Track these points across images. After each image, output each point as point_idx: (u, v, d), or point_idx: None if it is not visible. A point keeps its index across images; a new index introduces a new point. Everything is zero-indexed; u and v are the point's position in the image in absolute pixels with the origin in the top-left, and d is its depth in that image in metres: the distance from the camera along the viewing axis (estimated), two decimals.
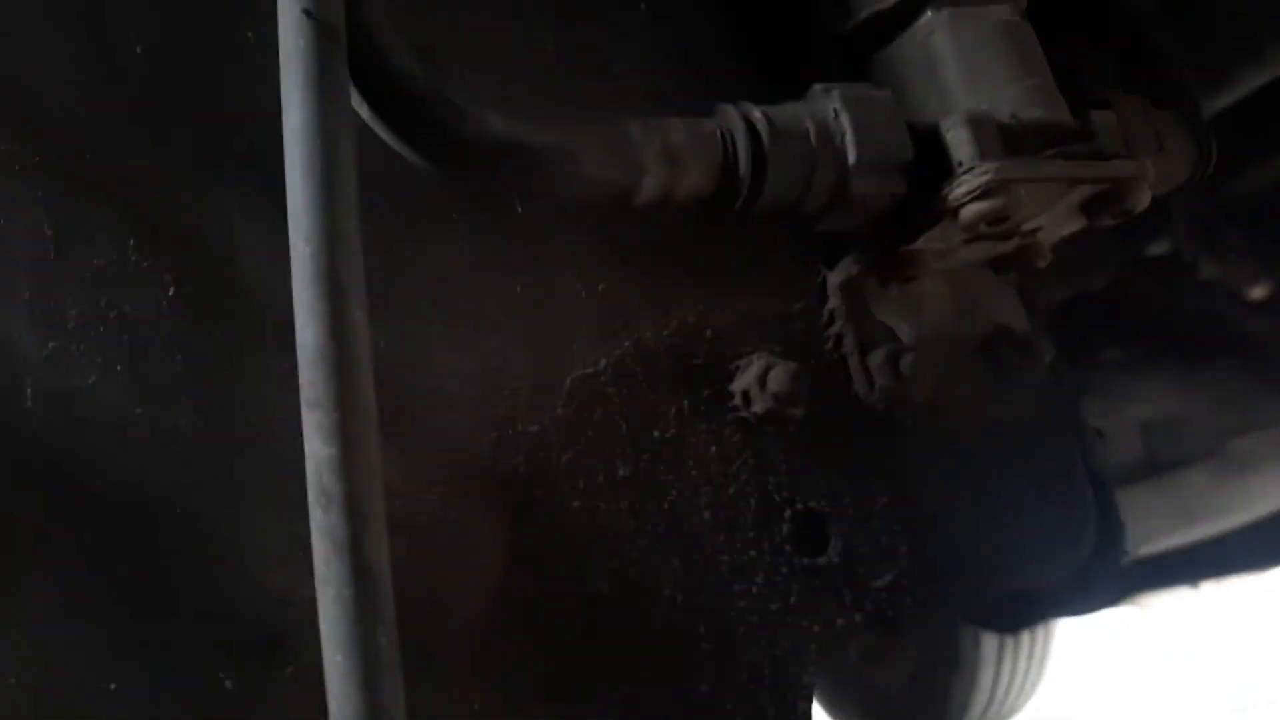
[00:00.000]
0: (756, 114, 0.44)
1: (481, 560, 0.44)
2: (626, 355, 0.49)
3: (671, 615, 0.46)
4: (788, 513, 0.49)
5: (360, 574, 0.33)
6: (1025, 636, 2.15)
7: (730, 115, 0.44)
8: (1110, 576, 0.78)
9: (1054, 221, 0.50)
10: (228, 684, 0.38)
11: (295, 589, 0.40)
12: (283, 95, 0.37)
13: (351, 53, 0.38)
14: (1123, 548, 0.77)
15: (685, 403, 0.49)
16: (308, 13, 0.36)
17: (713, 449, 0.49)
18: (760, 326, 0.52)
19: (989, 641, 2.14)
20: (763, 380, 0.49)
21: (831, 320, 0.53)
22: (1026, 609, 0.84)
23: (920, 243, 0.49)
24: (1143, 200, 0.49)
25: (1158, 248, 2.05)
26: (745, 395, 0.50)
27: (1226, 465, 2.20)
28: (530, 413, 0.47)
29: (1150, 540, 2.27)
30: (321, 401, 0.34)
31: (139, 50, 0.44)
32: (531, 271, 0.48)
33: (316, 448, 0.34)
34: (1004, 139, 0.46)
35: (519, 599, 0.44)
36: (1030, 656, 2.20)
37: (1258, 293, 2.08)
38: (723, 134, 0.44)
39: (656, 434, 0.48)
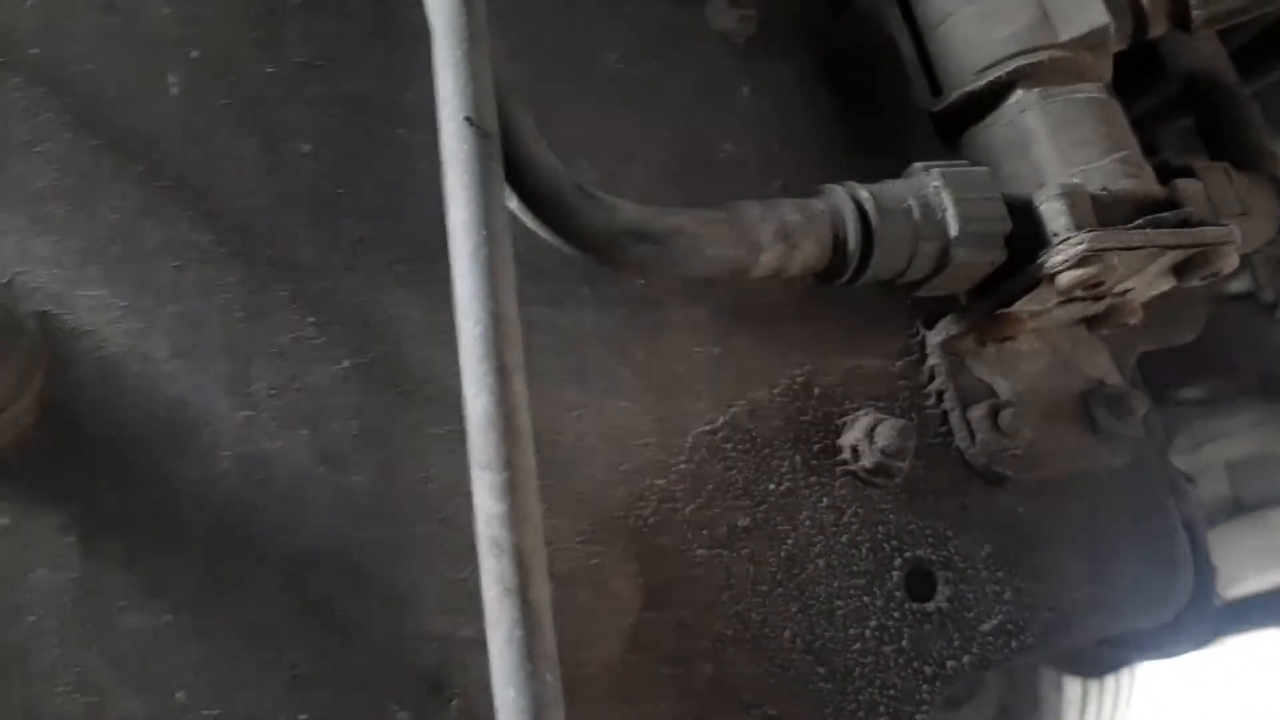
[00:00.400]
0: (863, 193, 0.48)
1: (616, 604, 0.48)
2: (742, 413, 0.53)
3: (792, 656, 0.49)
4: (897, 561, 0.53)
5: (529, 616, 0.37)
6: (1110, 680, 2.11)
7: (839, 195, 0.48)
8: (1200, 620, 0.79)
9: (1145, 283, 0.53)
10: (401, 716, 0.43)
11: (455, 630, 0.44)
12: (446, 193, 0.41)
13: (505, 153, 0.42)
14: (1214, 592, 0.78)
15: (797, 457, 0.53)
16: (469, 120, 0.41)
17: (824, 501, 0.53)
18: (865, 384, 0.56)
19: (1072, 685, 2.10)
20: (870, 435, 0.53)
21: (932, 377, 0.57)
22: (1114, 653, 0.86)
23: (1016, 307, 0.52)
24: (1230, 263, 0.51)
25: (1238, 286, 2.04)
26: (854, 450, 0.53)
27: None
28: (656, 468, 0.51)
29: (1238, 582, 2.22)
30: (491, 464, 0.38)
31: (307, 149, 0.49)
32: (654, 338, 0.53)
33: (487, 504, 0.38)
34: (1096, 210, 0.49)
35: (651, 639, 0.48)
36: (1115, 701, 2.16)
37: None
38: (832, 213, 0.48)
39: (772, 486, 0.52)
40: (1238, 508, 2.19)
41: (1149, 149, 1.07)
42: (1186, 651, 0.79)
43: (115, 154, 0.46)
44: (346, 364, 0.46)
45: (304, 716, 0.42)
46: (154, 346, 0.44)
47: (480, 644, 0.44)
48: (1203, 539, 0.76)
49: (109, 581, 0.41)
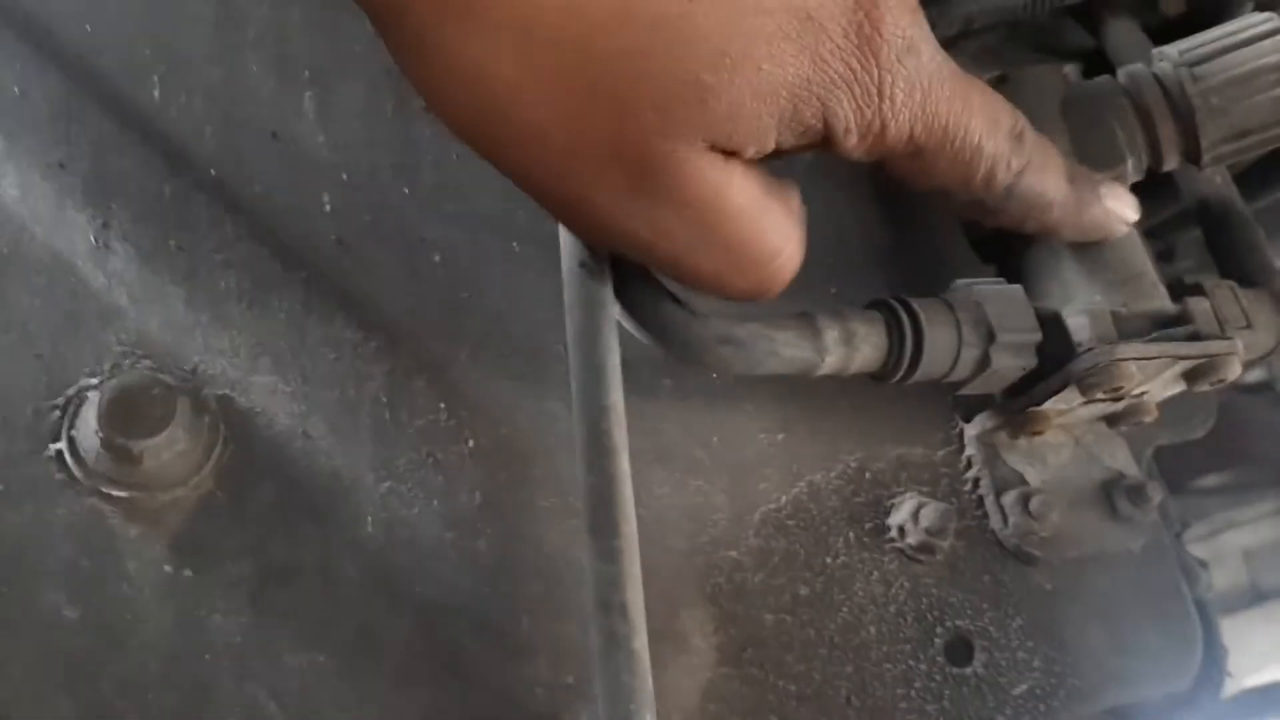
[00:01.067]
0: (915, 306, 0.56)
1: (696, 660, 0.55)
2: (802, 494, 0.60)
3: (847, 712, 0.56)
4: (939, 630, 0.59)
5: (632, 664, 0.44)
6: None
7: (895, 306, 0.56)
8: (1211, 697, 0.84)
9: (1159, 387, 0.60)
10: None
11: (560, 678, 0.51)
12: (567, 309, 0.49)
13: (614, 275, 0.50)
14: (1224, 669, 0.84)
15: (851, 534, 0.60)
16: (583, 265, 0.49)
17: (874, 574, 0.60)
18: (911, 470, 0.63)
19: None
20: (915, 516, 0.60)
21: (970, 466, 0.64)
22: None
23: (1045, 406, 0.59)
24: (1234, 371, 0.58)
25: (1254, 376, 2.10)
26: (900, 529, 0.60)
27: None
28: (728, 541, 0.58)
29: (1258, 671, 2.24)
30: (602, 530, 0.46)
31: (437, 259, 0.58)
32: (726, 425, 0.60)
33: (599, 566, 0.45)
34: (1116, 324, 0.57)
35: (725, 693, 0.54)
36: None
37: None
38: (888, 322, 0.56)
39: (829, 560, 0.59)
40: (1256, 595, 2.22)
41: (1166, 254, 1.16)
42: None
43: (282, 262, 0.54)
44: (471, 444, 0.54)
45: None
46: (314, 426, 0.52)
47: (577, 690, 0.52)
48: (1214, 619, 0.83)
49: (275, 627, 0.48)
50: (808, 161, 0.69)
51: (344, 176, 0.57)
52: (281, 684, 0.47)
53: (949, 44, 0.81)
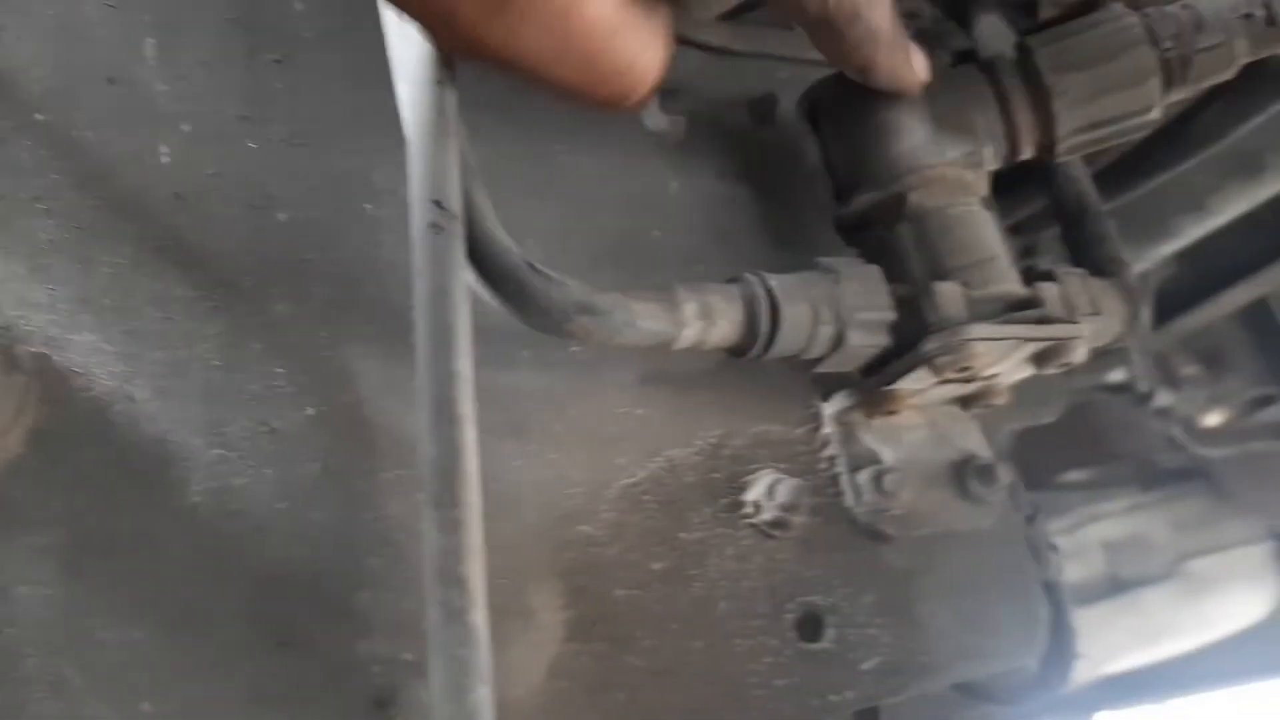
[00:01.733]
0: (774, 282, 0.56)
1: (542, 635, 0.53)
2: (660, 469, 0.60)
3: (697, 689, 0.55)
4: (791, 605, 0.59)
5: (471, 637, 0.43)
6: None
7: (753, 282, 0.56)
8: (1061, 675, 0.88)
9: (1009, 369, 0.61)
10: None
11: (399, 654, 0.49)
12: (414, 266, 0.47)
13: (467, 232, 0.49)
14: (1073, 649, 0.87)
15: (707, 510, 0.60)
16: (437, 203, 0.48)
17: (729, 549, 0.59)
18: (769, 448, 0.63)
19: None
20: (771, 492, 0.60)
21: (826, 444, 0.64)
22: (976, 706, 0.94)
23: (899, 385, 0.60)
24: (1080, 355, 0.60)
25: (1116, 376, 2.20)
26: (756, 505, 0.60)
27: (1186, 587, 2.30)
28: (582, 515, 0.57)
29: (1114, 658, 2.35)
30: (443, 502, 0.44)
31: (282, 218, 0.55)
32: (586, 399, 0.59)
33: (437, 538, 0.44)
34: (968, 305, 0.58)
35: (572, 669, 0.53)
36: None
37: (1211, 421, 2.22)
38: (745, 298, 0.56)
39: (684, 535, 0.59)
40: (1115, 586, 2.33)
41: (1030, 250, 1.19)
42: (1046, 705, 0.88)
43: (111, 214, 0.51)
44: (311, 411, 0.52)
45: None
46: (138, 388, 0.49)
47: (416, 668, 0.50)
48: (1063, 600, 0.85)
49: (87, 600, 0.45)
50: (681, 138, 0.69)
51: (185, 128, 0.54)
52: (93, 659, 0.44)
53: None
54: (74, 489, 0.46)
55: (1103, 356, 2.16)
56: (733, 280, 0.57)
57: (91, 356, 0.48)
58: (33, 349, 0.47)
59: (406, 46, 0.50)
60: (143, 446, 0.48)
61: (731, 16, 0.74)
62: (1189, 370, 2.16)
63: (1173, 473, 2.42)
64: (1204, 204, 1.37)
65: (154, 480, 0.48)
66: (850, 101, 0.63)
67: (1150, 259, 1.49)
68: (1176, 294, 1.95)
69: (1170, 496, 2.38)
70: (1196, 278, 1.93)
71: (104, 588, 0.45)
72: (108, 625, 0.45)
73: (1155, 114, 0.62)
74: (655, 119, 0.67)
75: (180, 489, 0.48)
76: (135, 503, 0.47)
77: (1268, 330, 1.97)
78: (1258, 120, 0.88)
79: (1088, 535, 2.33)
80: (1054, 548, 0.84)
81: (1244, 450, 2.14)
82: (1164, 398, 2.09)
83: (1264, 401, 2.09)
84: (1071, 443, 2.35)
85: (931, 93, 0.62)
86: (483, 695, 0.42)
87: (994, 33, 0.78)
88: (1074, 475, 2.42)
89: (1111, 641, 2.25)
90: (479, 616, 0.43)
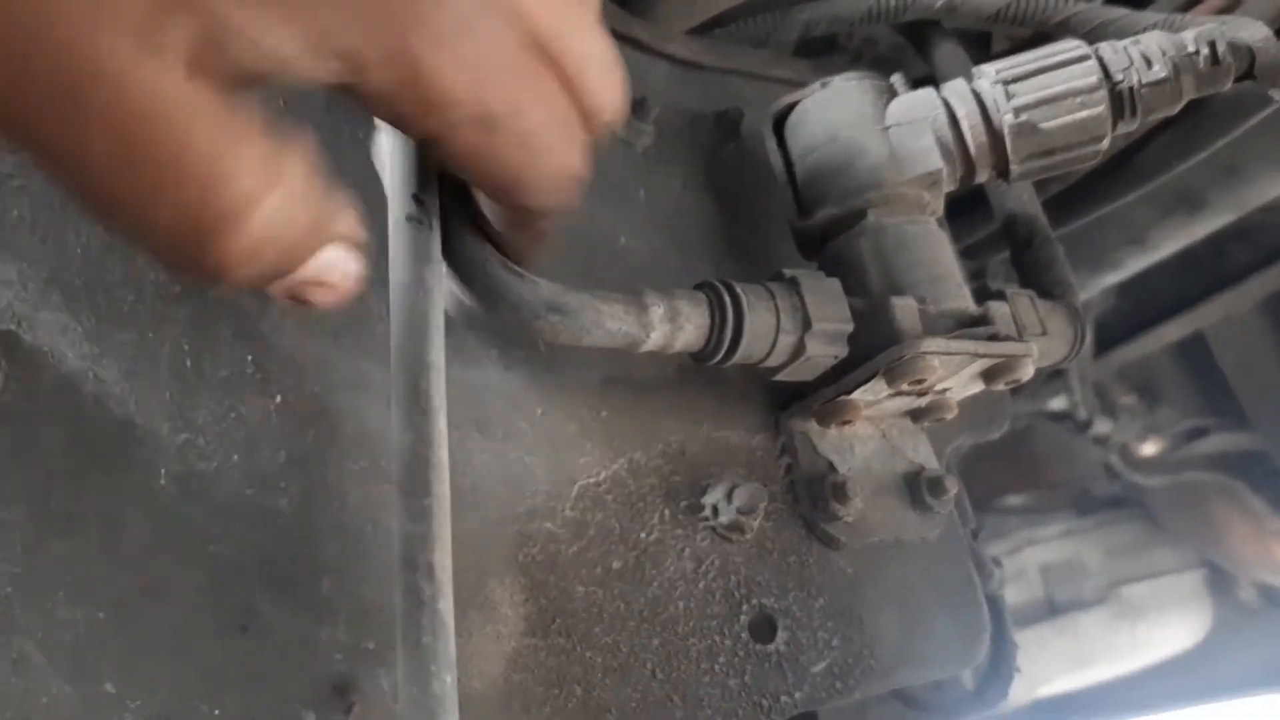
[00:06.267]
0: (738, 289, 0.57)
1: (502, 629, 0.54)
2: (622, 470, 0.61)
3: (652, 684, 0.56)
4: (745, 607, 0.61)
5: (438, 625, 0.43)
6: None
7: (718, 289, 0.57)
8: (1000, 689, 0.90)
9: (959, 385, 0.64)
10: (307, 717, 0.47)
11: (360, 642, 0.50)
12: (391, 258, 0.48)
13: (442, 229, 0.50)
14: (1013, 663, 0.89)
15: (666, 511, 0.61)
16: (416, 198, 0.48)
17: (686, 551, 0.61)
18: (728, 453, 0.64)
19: None
20: (729, 496, 0.61)
21: (783, 451, 0.66)
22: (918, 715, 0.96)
23: (854, 395, 0.61)
24: (1028, 373, 0.63)
25: (1057, 404, 2.25)
26: (714, 508, 0.61)
27: (1119, 612, 2.36)
28: (545, 512, 0.58)
29: (1049, 681, 2.40)
30: (414, 490, 0.44)
31: None
32: (551, 398, 0.60)
33: (408, 525, 0.44)
34: (923, 320, 0.60)
35: (531, 663, 0.54)
36: None
37: (1147, 450, 2.29)
38: (711, 304, 0.57)
39: (643, 535, 0.60)
40: (1051, 609, 2.38)
41: (979, 274, 1.23)
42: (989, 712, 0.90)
43: None
44: (279, 399, 0.52)
45: (217, 712, 0.46)
46: (106, 369, 0.49)
47: (377, 655, 0.50)
48: (1004, 614, 0.88)
49: (50, 577, 0.45)
50: (649, 147, 0.70)
51: None
52: (53, 637, 0.44)
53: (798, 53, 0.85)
54: (39, 467, 0.46)
55: (1045, 383, 2.21)
56: (699, 286, 0.58)
57: (60, 335, 0.48)
58: (1, 326, 0.47)
59: None
60: (109, 427, 0.48)
61: (701, 31, 0.76)
62: (1126, 400, 2.22)
63: (1108, 500, 2.49)
64: (1144, 238, 1.42)
65: (119, 461, 0.47)
66: (813, 120, 0.65)
67: (1091, 289, 1.54)
68: (1116, 325, 2.01)
69: (1105, 523, 2.45)
70: (1135, 309, 1.99)
71: (67, 566, 0.45)
72: (70, 604, 0.44)
73: (1104, 144, 0.65)
74: (625, 127, 0.69)
75: (145, 471, 0.48)
76: (100, 483, 0.47)
77: (1203, 364, 2.04)
78: (1200, 156, 0.92)
79: (1025, 559, 2.38)
80: (998, 563, 0.86)
81: (1177, 480, 2.21)
82: (1102, 426, 2.15)
83: (1198, 433, 2.16)
84: (1011, 468, 2.41)
85: (889, 114, 0.65)
86: (447, 683, 0.43)
87: (951, 60, 0.81)
88: (1013, 499, 2.47)
89: (1046, 664, 2.30)
90: (445, 604, 0.44)
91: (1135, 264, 1.44)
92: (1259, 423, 1.97)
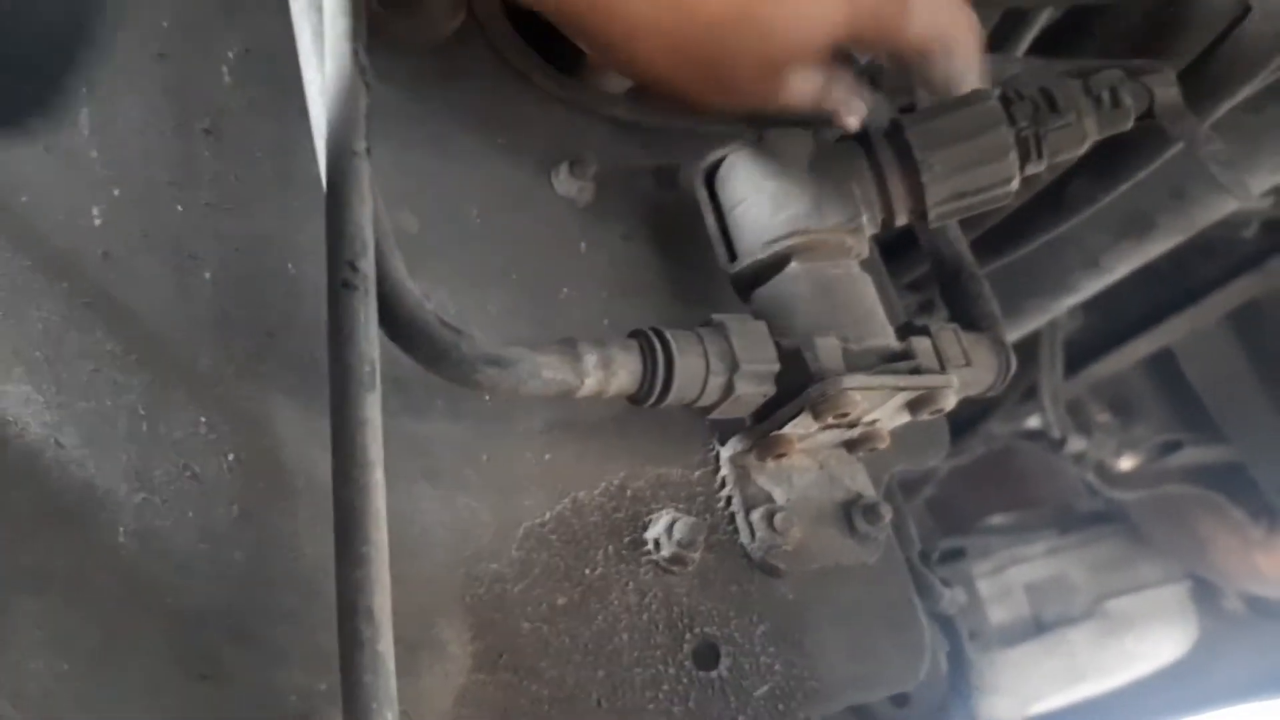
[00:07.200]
0: (668, 335, 0.61)
1: (451, 666, 0.57)
2: (566, 510, 0.64)
3: (598, 716, 0.59)
4: (688, 636, 0.64)
5: (377, 664, 0.46)
6: None
7: (649, 336, 0.61)
8: (964, 707, 0.93)
9: (886, 415, 0.67)
10: None
11: (313, 684, 0.53)
12: (328, 322, 0.51)
13: (380, 290, 0.53)
14: (971, 682, 0.92)
15: (610, 547, 0.64)
16: (350, 265, 0.52)
17: (630, 584, 0.64)
18: (668, 489, 0.68)
19: None
20: (670, 530, 0.64)
21: (723, 485, 0.69)
22: None
23: (786, 429, 0.65)
24: (949, 403, 0.66)
25: (1032, 423, 2.28)
26: (656, 542, 0.64)
27: (1106, 626, 2.38)
28: (491, 553, 0.61)
29: (1040, 698, 2.41)
30: (353, 539, 0.48)
31: (207, 276, 0.59)
32: (496, 445, 0.63)
33: (347, 571, 0.47)
34: (845, 358, 0.63)
35: (479, 698, 0.57)
36: None
37: (1124, 465, 2.32)
38: (643, 350, 0.61)
39: (588, 571, 0.63)
40: (1038, 627, 2.40)
41: (927, 306, 1.27)
42: None
43: (44, 272, 0.54)
44: (231, 457, 0.55)
45: None
46: (67, 436, 0.52)
47: (330, 695, 0.53)
48: (959, 632, 0.91)
49: (19, 634, 0.48)
50: (589, 202, 0.74)
51: (116, 192, 0.58)
52: (23, 689, 0.47)
53: None
54: (7, 530, 0.49)
55: (1020, 403, 2.24)
56: (632, 334, 0.62)
57: (24, 406, 0.51)
58: None
59: (327, 116, 0.55)
60: (71, 490, 0.51)
61: (638, 91, 0.80)
62: (1101, 417, 2.26)
63: (1091, 516, 2.51)
64: (1099, 261, 1.46)
65: (82, 521, 0.51)
66: (741, 172, 0.69)
67: (1052, 311, 1.58)
68: (1086, 344, 2.05)
69: (1088, 539, 2.47)
70: (1104, 327, 2.03)
71: (34, 622, 0.48)
72: (37, 656, 0.47)
73: (1014, 185, 0.69)
74: (566, 184, 0.73)
75: (107, 530, 0.51)
76: (64, 542, 0.50)
77: (1173, 379, 2.07)
78: (1125, 186, 0.96)
79: (1010, 578, 2.40)
80: (947, 583, 0.89)
81: (1156, 493, 2.24)
82: (1077, 443, 2.18)
83: (1172, 446, 2.19)
84: (993, 488, 2.43)
85: (814, 164, 0.69)
86: (389, 717, 0.46)
87: (873, 111, 0.85)
88: (996, 519, 2.50)
89: (1036, 681, 2.32)
90: (385, 645, 0.47)
91: (1091, 286, 1.48)
92: (1232, 435, 2.00)
